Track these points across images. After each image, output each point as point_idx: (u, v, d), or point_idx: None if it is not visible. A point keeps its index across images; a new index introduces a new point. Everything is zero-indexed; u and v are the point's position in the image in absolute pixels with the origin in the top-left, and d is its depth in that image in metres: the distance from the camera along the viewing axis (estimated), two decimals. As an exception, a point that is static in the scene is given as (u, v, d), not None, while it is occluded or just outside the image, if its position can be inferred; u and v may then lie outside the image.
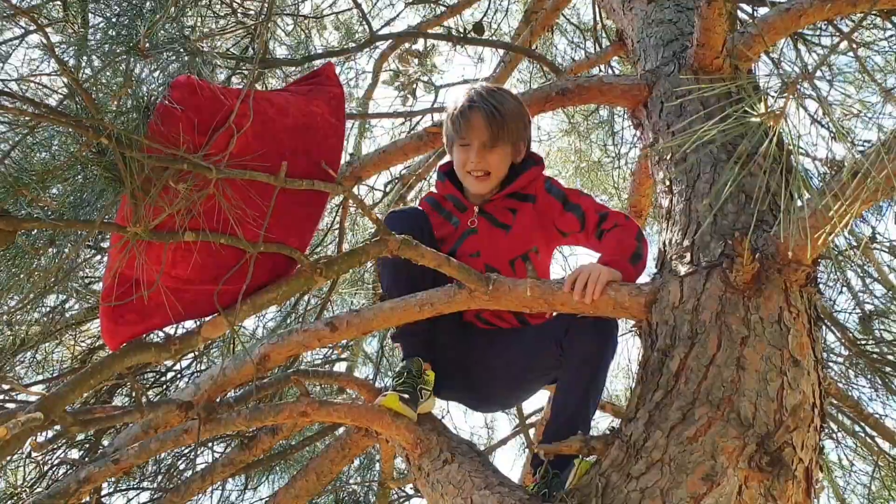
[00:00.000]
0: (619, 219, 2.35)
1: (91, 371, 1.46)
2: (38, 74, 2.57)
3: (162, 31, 2.11)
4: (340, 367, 4.31)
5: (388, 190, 4.59)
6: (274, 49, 4.28)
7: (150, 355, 1.60)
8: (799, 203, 1.68)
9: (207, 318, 1.92)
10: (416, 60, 5.34)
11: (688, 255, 2.08)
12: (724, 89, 2.43)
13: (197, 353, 3.65)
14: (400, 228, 2.08)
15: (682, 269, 2.05)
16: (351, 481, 4.20)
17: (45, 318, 3.18)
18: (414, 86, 5.33)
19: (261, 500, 3.74)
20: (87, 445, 3.17)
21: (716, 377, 1.79)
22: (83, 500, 2.84)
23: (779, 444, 1.68)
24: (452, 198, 2.49)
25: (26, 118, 1.48)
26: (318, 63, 4.56)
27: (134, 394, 2.97)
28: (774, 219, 2.05)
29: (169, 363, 3.63)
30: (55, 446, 3.27)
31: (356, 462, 4.33)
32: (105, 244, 3.00)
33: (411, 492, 3.82)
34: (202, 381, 2.19)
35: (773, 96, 1.44)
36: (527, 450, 4.03)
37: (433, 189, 2.59)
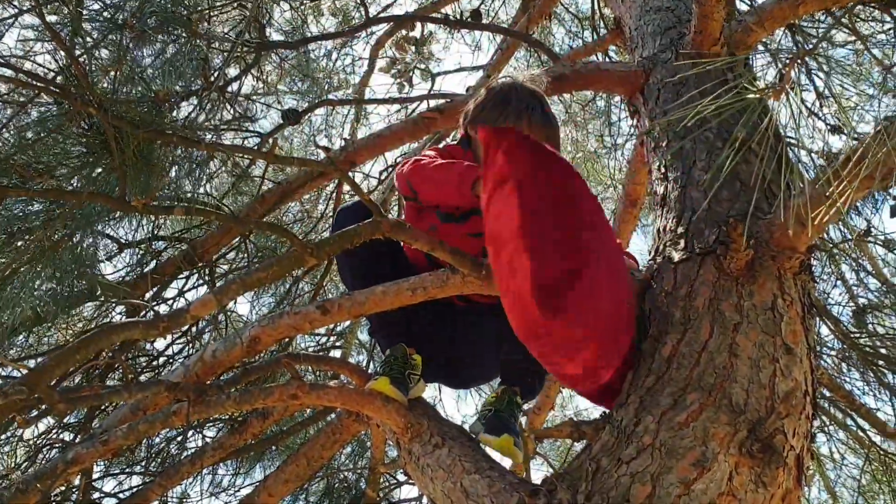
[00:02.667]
0: None
1: (77, 346, 1.45)
2: (32, 54, 2.56)
3: (161, 12, 2.10)
4: (334, 355, 4.31)
5: (382, 178, 4.58)
6: (270, 35, 4.26)
7: (138, 332, 1.59)
8: (799, 184, 1.67)
9: (196, 296, 1.91)
10: (412, 48, 5.31)
11: (682, 242, 2.07)
12: (721, 77, 2.42)
13: (189, 338, 3.64)
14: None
15: (676, 256, 2.04)
16: (342, 468, 4.19)
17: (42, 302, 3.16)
18: (411, 73, 5.31)
19: (252, 484, 3.72)
20: (78, 428, 3.16)
21: (708, 363, 1.78)
22: (72, 482, 2.84)
23: (770, 431, 1.67)
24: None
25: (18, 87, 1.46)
26: (313, 47, 4.55)
27: (124, 376, 2.96)
28: (769, 206, 2.04)
29: (161, 347, 3.62)
30: (47, 429, 3.27)
31: (347, 449, 4.34)
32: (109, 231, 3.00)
33: (402, 478, 3.81)
34: (191, 363, 2.18)
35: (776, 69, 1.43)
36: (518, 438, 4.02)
37: (450, 149, 2.40)
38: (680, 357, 1.81)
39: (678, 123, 2.34)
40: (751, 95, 1.43)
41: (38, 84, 1.37)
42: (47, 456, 3.06)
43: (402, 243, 2.36)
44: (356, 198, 2.37)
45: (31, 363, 2.97)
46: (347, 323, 4.31)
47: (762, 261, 1.90)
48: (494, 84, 2.41)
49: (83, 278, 2.39)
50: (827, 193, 1.60)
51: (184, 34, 2.43)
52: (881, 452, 3.72)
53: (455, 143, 2.46)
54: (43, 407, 1.55)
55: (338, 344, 4.42)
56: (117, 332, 1.56)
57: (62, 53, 1.64)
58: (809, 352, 1.88)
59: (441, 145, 2.37)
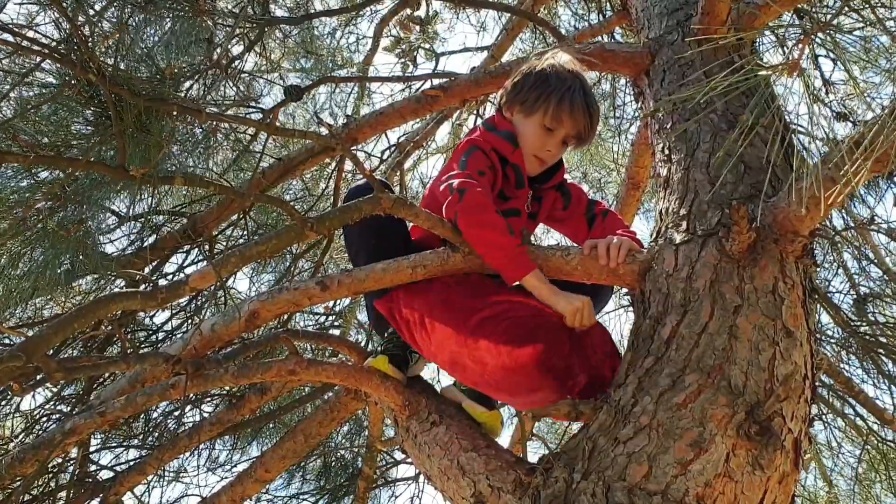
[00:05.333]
0: (605, 205, 2.46)
1: (75, 314, 1.44)
2: (35, 25, 2.54)
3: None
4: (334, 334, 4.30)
5: (385, 157, 4.56)
6: (273, 11, 4.23)
7: (137, 302, 1.58)
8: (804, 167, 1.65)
9: (195, 269, 1.90)
10: (417, 27, 5.27)
11: (684, 224, 2.06)
12: (728, 59, 2.40)
13: (188, 313, 3.64)
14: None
15: (678, 238, 2.02)
16: (339, 447, 4.21)
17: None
18: (415, 53, 5.28)
19: (248, 460, 3.74)
20: (76, 400, 3.16)
21: (707, 345, 1.77)
22: (69, 454, 2.85)
23: (768, 413, 1.67)
24: (517, 169, 2.30)
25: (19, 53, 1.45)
26: (317, 24, 4.52)
27: (123, 349, 2.95)
28: (773, 189, 2.03)
29: (160, 322, 3.62)
30: (45, 401, 3.28)
31: (345, 428, 4.35)
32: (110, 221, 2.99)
33: (399, 457, 3.83)
34: (190, 336, 2.17)
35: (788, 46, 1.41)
36: (515, 418, 4.04)
37: (492, 143, 2.29)
38: (679, 338, 1.80)
39: (682, 105, 2.32)
40: (763, 73, 1.40)
41: (39, 50, 1.35)
42: (45, 427, 3.07)
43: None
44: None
45: (30, 334, 2.97)
46: (347, 302, 4.31)
47: (764, 244, 1.89)
48: (532, 64, 2.36)
49: (82, 250, 2.38)
50: (834, 176, 1.58)
51: (187, 7, 2.41)
52: (879, 440, 3.72)
53: (484, 129, 2.35)
54: (40, 376, 1.54)
55: (337, 323, 4.41)
56: (115, 301, 1.55)
57: (65, 25, 1.63)
58: (810, 336, 1.87)
59: (471, 148, 2.27)
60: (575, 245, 2.25)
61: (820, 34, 1.45)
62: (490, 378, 2.03)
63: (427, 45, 5.24)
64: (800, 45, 1.38)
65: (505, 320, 2.00)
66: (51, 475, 2.93)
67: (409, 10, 5.07)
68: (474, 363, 2.02)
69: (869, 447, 3.83)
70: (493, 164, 2.24)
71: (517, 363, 1.96)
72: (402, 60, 5.20)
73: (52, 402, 3.22)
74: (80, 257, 2.58)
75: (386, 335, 2.32)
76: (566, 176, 2.46)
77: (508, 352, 1.95)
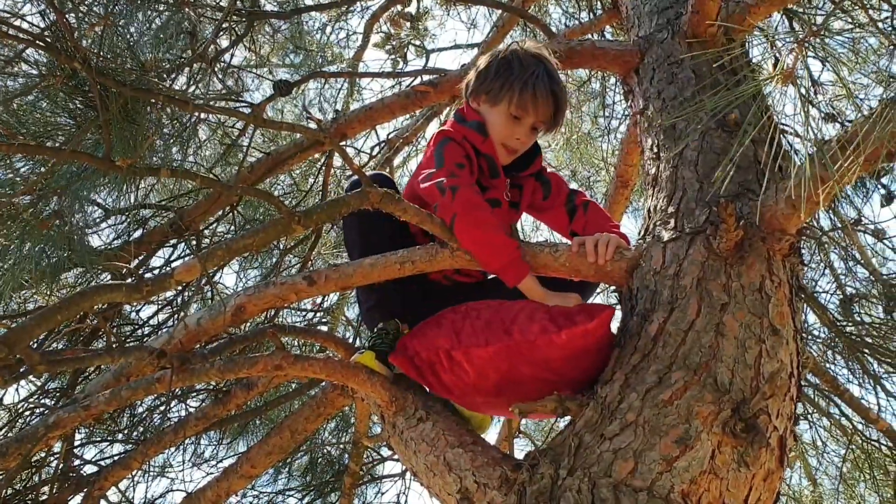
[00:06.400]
0: (586, 196, 2.44)
1: (59, 306, 1.43)
2: (20, 15, 2.52)
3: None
4: (320, 330, 4.29)
5: (374, 153, 4.55)
6: (264, 5, 4.21)
7: (121, 295, 1.56)
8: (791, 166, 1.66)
9: (181, 261, 1.89)
10: (407, 24, 5.27)
11: (672, 222, 2.06)
12: (716, 57, 2.41)
13: (175, 308, 3.62)
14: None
15: (666, 235, 2.03)
16: (326, 443, 4.20)
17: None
18: (405, 49, 5.27)
19: (235, 455, 3.72)
20: (60, 394, 3.14)
21: (694, 342, 1.77)
22: (52, 448, 2.83)
23: (754, 411, 1.67)
24: (490, 159, 2.29)
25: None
26: (307, 19, 4.50)
27: (108, 343, 2.93)
28: (761, 187, 2.03)
29: (146, 316, 3.60)
30: (29, 395, 3.25)
31: (332, 425, 4.34)
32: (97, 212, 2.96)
33: (386, 453, 3.82)
34: (176, 330, 2.16)
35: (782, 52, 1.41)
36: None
37: (464, 134, 2.27)
38: (666, 335, 1.80)
39: (670, 102, 2.32)
40: (761, 78, 1.41)
41: (23, 37, 1.34)
42: (28, 421, 3.04)
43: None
44: (368, 172, 2.34)
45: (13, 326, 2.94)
46: (335, 299, 4.30)
47: (752, 242, 1.89)
48: (494, 52, 2.34)
49: (67, 244, 2.36)
50: (822, 175, 1.59)
51: (171, 1, 2.39)
52: (864, 439, 3.74)
53: (455, 121, 2.34)
54: (23, 369, 1.53)
55: (325, 320, 4.40)
56: (100, 293, 1.53)
57: (51, 14, 1.61)
58: (796, 334, 1.88)
59: (443, 140, 2.24)
60: (564, 241, 2.25)
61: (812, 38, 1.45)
62: (558, 370, 1.93)
63: (417, 42, 5.23)
64: (793, 54, 1.38)
65: (541, 314, 1.97)
66: (34, 470, 2.91)
67: (399, 7, 5.07)
68: (535, 367, 1.93)
69: (854, 446, 3.85)
70: (468, 153, 2.23)
71: (595, 337, 1.90)
72: (393, 57, 5.20)
73: (35, 396, 3.20)
74: (61, 251, 2.56)
75: (374, 331, 2.31)
76: (545, 164, 2.47)
77: (582, 333, 1.87)
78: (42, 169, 2.10)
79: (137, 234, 3.36)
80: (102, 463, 2.95)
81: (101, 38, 1.50)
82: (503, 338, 1.93)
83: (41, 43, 1.32)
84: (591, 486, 1.60)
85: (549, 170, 2.49)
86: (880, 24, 3.83)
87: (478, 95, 2.31)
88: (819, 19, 3.87)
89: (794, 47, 1.54)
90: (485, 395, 1.99)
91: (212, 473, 3.63)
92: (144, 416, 3.44)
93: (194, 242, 3.29)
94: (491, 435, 4.06)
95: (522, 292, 2.09)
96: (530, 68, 2.24)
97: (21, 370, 1.49)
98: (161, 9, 2.57)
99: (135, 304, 3.42)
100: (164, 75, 2.52)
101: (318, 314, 4.33)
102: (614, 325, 1.99)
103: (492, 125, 2.28)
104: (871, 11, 3.97)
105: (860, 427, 3.76)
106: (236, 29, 3.53)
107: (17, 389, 3.15)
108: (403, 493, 4.02)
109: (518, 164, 2.37)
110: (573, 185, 2.54)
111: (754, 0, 2.66)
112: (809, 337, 3.79)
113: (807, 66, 3.95)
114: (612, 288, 2.17)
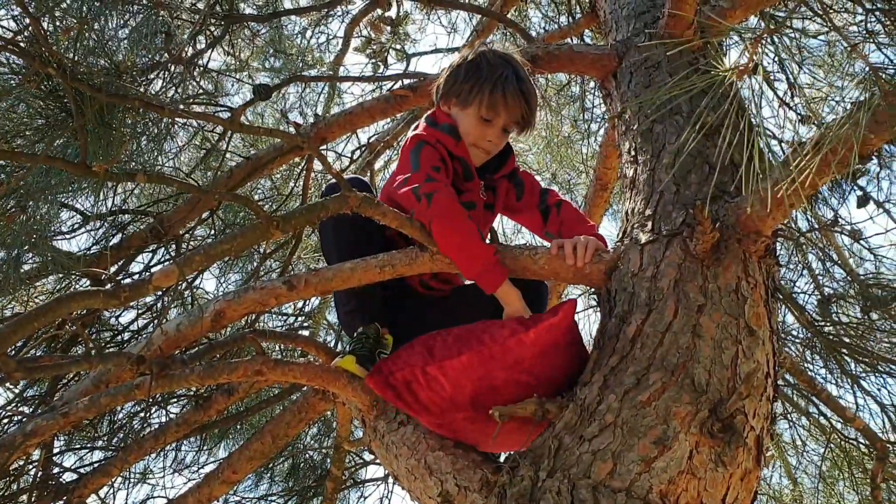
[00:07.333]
0: (558, 196, 2.45)
1: (35, 313, 1.42)
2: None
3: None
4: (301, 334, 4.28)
5: (354, 157, 4.55)
6: (243, 9, 4.20)
7: (99, 301, 1.56)
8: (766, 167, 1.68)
9: (159, 267, 1.88)
10: (388, 28, 5.27)
11: (649, 224, 2.08)
12: (693, 60, 2.43)
13: (155, 313, 3.60)
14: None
15: (643, 238, 2.04)
16: (308, 448, 4.19)
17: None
18: (386, 54, 5.27)
19: (216, 461, 3.70)
20: (38, 402, 3.12)
21: (671, 344, 1.79)
22: (31, 456, 2.80)
23: (731, 411, 1.69)
24: (463, 162, 2.31)
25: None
26: (287, 23, 4.49)
27: (86, 350, 2.92)
28: (737, 190, 2.05)
29: (125, 322, 3.58)
30: (6, 402, 3.22)
31: (313, 430, 4.34)
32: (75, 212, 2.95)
33: (368, 458, 3.82)
34: (155, 336, 2.15)
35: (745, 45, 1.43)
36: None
37: (437, 137, 2.26)
38: (644, 337, 1.82)
39: (649, 106, 2.34)
40: (720, 72, 1.42)
41: (-2, 43, 1.33)
42: (6, 429, 3.01)
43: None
44: (345, 175, 2.34)
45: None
46: (316, 303, 4.29)
47: (728, 243, 1.91)
48: (463, 55, 2.36)
49: (39, 249, 2.33)
50: (792, 177, 1.61)
51: (146, 2, 2.37)
52: (842, 438, 3.78)
53: (427, 125, 2.33)
54: (-1, 376, 1.52)
55: (306, 324, 4.40)
56: (77, 300, 1.53)
57: (24, 18, 1.60)
58: (772, 334, 1.90)
59: (418, 144, 2.25)
60: (543, 244, 2.26)
61: (774, 37, 1.47)
62: (531, 369, 1.93)
63: (398, 46, 5.23)
64: (749, 49, 1.40)
65: (511, 322, 2.00)
66: (12, 478, 2.88)
67: (379, 11, 5.06)
68: (509, 370, 1.92)
69: (832, 445, 3.88)
70: (442, 156, 2.24)
71: (560, 330, 1.92)
72: (373, 61, 5.20)
73: (13, 404, 3.17)
74: (33, 255, 2.54)
75: (355, 335, 2.31)
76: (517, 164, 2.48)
77: (548, 328, 1.90)
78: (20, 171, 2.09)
79: (116, 239, 3.34)
80: (82, 470, 2.93)
81: (76, 40, 1.50)
82: (475, 346, 1.93)
83: (15, 48, 1.31)
84: (570, 487, 1.61)
85: (522, 170, 2.51)
86: (853, 28, 3.89)
87: (448, 99, 2.32)
88: (796, 23, 3.92)
89: (747, 44, 1.55)
90: (463, 409, 1.95)
91: (193, 479, 3.61)
92: (124, 422, 3.41)
93: (174, 247, 3.27)
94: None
95: (499, 299, 2.10)
96: (499, 70, 2.25)
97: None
98: (135, 10, 2.56)
99: (113, 310, 3.39)
100: (140, 77, 2.51)
101: (300, 318, 4.32)
102: (594, 327, 2.01)
103: (463, 128, 2.29)
104: (844, 14, 4.03)
105: (838, 426, 3.79)
106: (213, 32, 3.51)
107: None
108: (386, 497, 4.02)
109: (491, 165, 2.38)
110: (546, 185, 2.53)
111: (730, 4, 2.69)
112: (788, 337, 3.83)
113: (783, 67, 3.98)
114: (591, 290, 2.18)
